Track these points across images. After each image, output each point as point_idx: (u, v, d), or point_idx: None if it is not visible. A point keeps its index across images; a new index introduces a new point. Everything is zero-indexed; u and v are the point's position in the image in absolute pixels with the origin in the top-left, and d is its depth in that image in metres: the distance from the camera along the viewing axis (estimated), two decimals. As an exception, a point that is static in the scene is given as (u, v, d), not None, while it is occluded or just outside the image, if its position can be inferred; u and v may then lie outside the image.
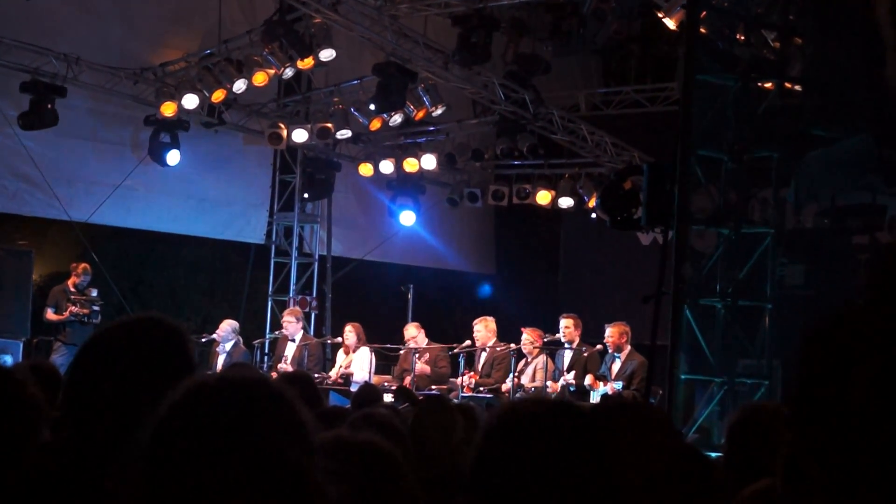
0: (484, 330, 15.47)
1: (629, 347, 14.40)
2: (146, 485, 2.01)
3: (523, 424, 2.27)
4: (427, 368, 15.56)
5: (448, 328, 17.30)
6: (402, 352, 16.07)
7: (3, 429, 2.63)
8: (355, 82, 17.95)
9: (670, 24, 14.33)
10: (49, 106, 15.59)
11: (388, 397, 10.90)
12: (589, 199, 18.87)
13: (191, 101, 16.46)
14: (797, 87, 12.98)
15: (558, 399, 2.34)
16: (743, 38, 12.47)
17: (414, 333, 15.88)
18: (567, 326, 14.92)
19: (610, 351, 14.47)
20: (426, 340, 15.92)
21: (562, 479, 2.19)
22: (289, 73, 16.59)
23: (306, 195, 19.69)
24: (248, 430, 2.01)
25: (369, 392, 8.84)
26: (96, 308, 16.00)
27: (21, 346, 15.34)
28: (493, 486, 2.23)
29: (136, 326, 2.92)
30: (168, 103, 16.54)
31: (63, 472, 2.71)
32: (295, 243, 19.92)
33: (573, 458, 2.21)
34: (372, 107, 17.06)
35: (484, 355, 15.45)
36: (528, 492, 2.19)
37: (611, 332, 14.45)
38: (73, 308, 15.85)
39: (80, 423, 2.80)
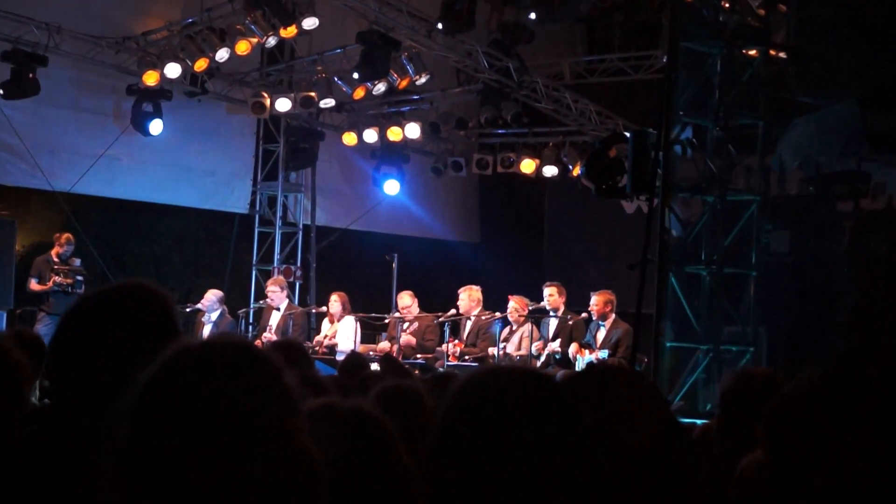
0: (468, 299, 15.47)
1: (614, 315, 14.42)
2: (130, 450, 1.99)
3: (484, 393, 2.26)
4: (412, 340, 15.55)
5: (433, 297, 17.29)
6: (388, 320, 16.07)
7: None
8: (339, 51, 17.87)
9: (655, -9, 14.30)
10: (30, 75, 15.49)
11: (374, 366, 10.88)
12: (573, 168, 18.85)
13: (173, 70, 16.37)
14: (782, 55, 12.98)
15: (522, 367, 2.32)
16: (727, 5, 12.45)
17: (408, 303, 15.86)
18: (551, 294, 14.95)
19: (595, 319, 14.50)
20: (418, 310, 15.91)
21: (526, 449, 2.18)
22: (272, 41, 16.52)
23: (290, 164, 19.63)
24: (232, 394, 2.00)
25: (356, 361, 8.83)
26: (80, 278, 15.95)
27: (5, 316, 15.30)
28: (455, 454, 2.22)
29: (121, 292, 2.89)
30: (150, 72, 16.44)
31: (48, 438, 2.70)
32: (279, 213, 19.87)
33: (537, 427, 2.20)
34: (355, 75, 16.99)
35: (469, 324, 15.46)
36: (489, 461, 2.17)
37: (595, 301, 14.46)
38: (56, 278, 15.80)
39: (64, 389, 2.78)
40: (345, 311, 15.99)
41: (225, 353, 2.06)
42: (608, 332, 14.34)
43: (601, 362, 13.60)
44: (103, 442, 2.06)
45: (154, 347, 2.12)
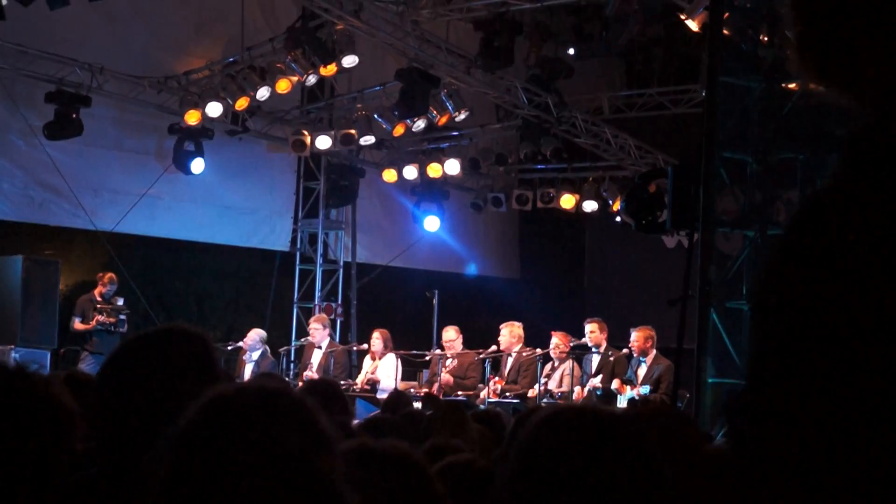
0: (509, 335, 15.42)
1: (654, 351, 14.35)
2: (168, 496, 2.01)
3: (564, 434, 2.26)
4: (451, 380, 15.47)
5: (473, 333, 17.27)
6: (428, 357, 16.04)
7: (36, 439, 2.64)
8: (378, 88, 17.96)
9: (693, 25, 14.29)
10: (74, 116, 15.66)
11: (416, 404, 10.88)
12: (613, 203, 18.82)
13: (214, 108, 16.51)
14: (821, 88, 12.91)
15: (598, 408, 2.34)
16: (766, 38, 12.42)
17: (453, 337, 15.82)
18: (592, 331, 14.89)
19: (635, 355, 14.43)
20: (461, 346, 15.87)
21: (601, 488, 2.18)
22: (312, 79, 16.62)
23: (330, 202, 19.71)
24: (269, 440, 2.02)
25: (399, 399, 8.87)
26: (123, 317, 16.05)
27: (49, 355, 15.38)
28: (531, 493, 2.22)
29: (162, 336, 2.92)
30: (192, 111, 16.59)
31: (90, 481, 2.71)
32: (320, 250, 19.94)
33: (614, 468, 2.20)
34: (395, 112, 17.07)
35: (510, 360, 15.41)
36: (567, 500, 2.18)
37: (636, 337, 14.40)
38: (99, 317, 15.90)
39: (107, 433, 2.81)
40: (386, 349, 15.96)
41: (260, 398, 2.07)
42: (649, 367, 14.27)
43: (643, 399, 13.54)
44: (144, 485, 2.07)
45: (193, 390, 2.14)
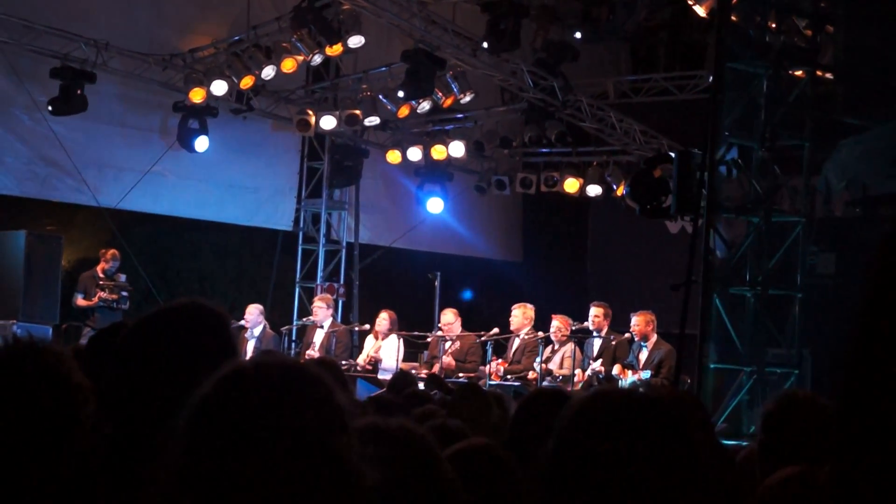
0: (521, 316, 15.41)
1: (655, 336, 14.36)
2: (184, 470, 2.01)
3: (606, 417, 2.23)
4: (453, 363, 15.50)
5: (474, 315, 17.27)
6: (429, 339, 16.06)
7: (48, 414, 2.65)
8: (384, 69, 17.93)
9: (700, 11, 14.28)
10: (78, 92, 15.65)
11: (419, 385, 10.90)
12: (617, 187, 18.79)
13: (219, 87, 16.49)
14: (829, 75, 12.91)
15: (636, 390, 2.31)
16: (774, 25, 12.41)
17: (451, 320, 15.84)
18: (596, 315, 14.90)
19: (636, 340, 14.44)
20: (460, 329, 15.88)
21: (644, 473, 2.16)
22: (317, 59, 16.60)
23: (334, 182, 19.70)
24: (285, 414, 2.01)
25: (405, 378, 8.95)
26: (125, 294, 16.07)
27: (50, 331, 15.38)
28: (572, 478, 2.19)
29: (179, 312, 2.93)
30: (197, 89, 16.56)
31: (105, 457, 2.72)
32: (322, 230, 19.93)
33: (660, 453, 2.17)
34: (400, 94, 17.04)
35: (517, 342, 15.42)
36: (609, 486, 2.15)
37: (637, 321, 14.41)
38: (101, 294, 15.91)
39: (123, 409, 2.81)
40: (391, 330, 15.99)
41: (277, 372, 2.06)
42: (650, 352, 14.28)
43: (645, 383, 13.56)
44: (158, 460, 2.07)
45: (211, 367, 2.13)
